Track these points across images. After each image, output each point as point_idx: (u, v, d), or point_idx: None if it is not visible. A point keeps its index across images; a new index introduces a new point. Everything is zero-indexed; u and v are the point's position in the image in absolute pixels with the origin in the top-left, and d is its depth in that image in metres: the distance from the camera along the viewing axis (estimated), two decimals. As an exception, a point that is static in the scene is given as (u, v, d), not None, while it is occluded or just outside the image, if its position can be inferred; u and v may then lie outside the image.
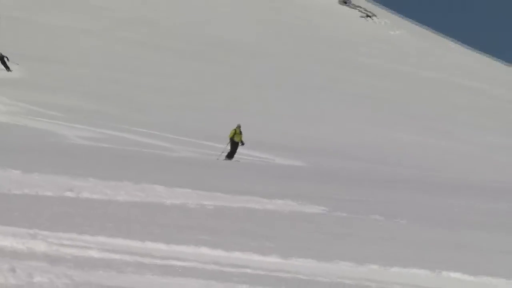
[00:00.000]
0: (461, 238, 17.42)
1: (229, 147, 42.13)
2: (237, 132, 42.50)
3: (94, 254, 10.96)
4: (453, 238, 17.47)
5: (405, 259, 12.74)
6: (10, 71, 69.93)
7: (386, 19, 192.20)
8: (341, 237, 15.41)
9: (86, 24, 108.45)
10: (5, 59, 70.41)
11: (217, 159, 40.37)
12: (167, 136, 45.45)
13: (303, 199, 20.24)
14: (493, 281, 10.97)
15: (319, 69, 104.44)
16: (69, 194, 16.64)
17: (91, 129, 44.67)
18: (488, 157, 63.15)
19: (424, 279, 11.53)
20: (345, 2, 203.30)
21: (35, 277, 9.24)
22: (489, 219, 21.37)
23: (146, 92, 68.37)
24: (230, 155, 41.53)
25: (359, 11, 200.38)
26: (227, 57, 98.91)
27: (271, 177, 28.85)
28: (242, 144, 42.41)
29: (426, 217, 21.23)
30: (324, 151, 49.43)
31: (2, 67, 70.82)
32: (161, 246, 11.83)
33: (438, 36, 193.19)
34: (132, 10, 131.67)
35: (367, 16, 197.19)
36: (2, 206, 13.84)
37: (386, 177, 35.96)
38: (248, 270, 10.82)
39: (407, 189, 28.38)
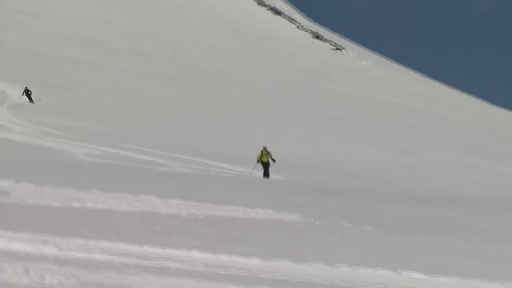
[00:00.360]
0: (416, 242, 17.26)
1: (253, 170, 40.45)
2: (264, 153, 41.16)
3: (98, 257, 11.16)
4: (410, 242, 17.18)
5: (370, 261, 12.74)
6: (32, 103, 67.17)
7: (354, 51, 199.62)
8: (315, 242, 15.21)
9: (88, 55, 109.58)
10: (29, 93, 67.30)
11: (248, 176, 39.66)
12: (160, 153, 44.92)
13: (281, 208, 20.01)
14: (448, 281, 11.13)
15: (295, 95, 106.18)
16: (76, 204, 16.74)
17: (94, 147, 44.74)
18: (441, 171, 64.22)
19: (388, 279, 11.63)
20: (318, 37, 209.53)
21: (46, 278, 9.68)
22: (437, 225, 21.58)
23: (139, 114, 68.48)
24: (265, 174, 40.66)
25: (330, 44, 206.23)
26: (211, 83, 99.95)
27: (254, 189, 28.81)
28: (274, 161, 40.57)
29: (387, 224, 20.63)
30: (298, 166, 49.72)
31: (26, 98, 67.23)
32: (157, 250, 11.91)
33: (399, 66, 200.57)
34: (128, 43, 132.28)
35: (337, 49, 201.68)
36: (16, 215, 14.03)
37: (353, 188, 36.50)
38: (234, 271, 10.87)
39: (371, 199, 28.40)
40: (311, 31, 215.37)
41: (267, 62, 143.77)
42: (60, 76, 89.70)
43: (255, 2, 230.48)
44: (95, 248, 11.55)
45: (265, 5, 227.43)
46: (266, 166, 40.35)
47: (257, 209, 19.35)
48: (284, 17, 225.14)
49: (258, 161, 40.54)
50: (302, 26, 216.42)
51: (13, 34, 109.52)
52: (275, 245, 14.13)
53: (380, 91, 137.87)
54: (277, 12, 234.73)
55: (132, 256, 11.46)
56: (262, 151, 40.93)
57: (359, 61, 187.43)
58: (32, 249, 11.42)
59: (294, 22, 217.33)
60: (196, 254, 11.87)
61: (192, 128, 64.50)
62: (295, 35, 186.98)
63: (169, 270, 10.50)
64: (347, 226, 18.32)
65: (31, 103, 66.91)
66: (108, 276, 9.82)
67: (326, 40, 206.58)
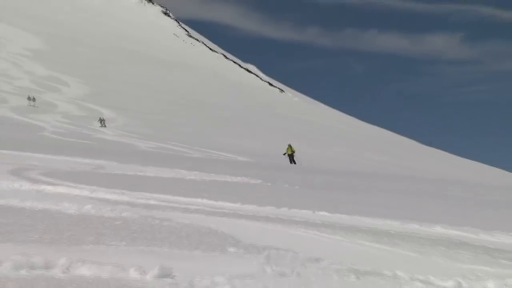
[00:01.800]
0: (324, 195, 18.21)
1: (286, 158, 42.85)
2: (289, 148, 42.90)
3: (151, 202, 11.38)
4: (321, 195, 18.13)
5: (296, 204, 12.92)
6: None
7: (290, 93, 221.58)
8: (267, 194, 15.81)
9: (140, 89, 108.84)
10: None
11: (297, 164, 41.40)
12: (185, 146, 49.27)
13: (250, 176, 21.46)
14: (342, 216, 11.58)
15: (258, 117, 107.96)
16: (140, 173, 18.57)
17: (151, 142, 49.38)
18: (340, 158, 69.15)
19: (306, 215, 11.66)
20: (270, 84, 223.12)
21: (123, 213, 9.64)
22: (338, 185, 23.06)
23: (174, 126, 71.45)
24: (291, 162, 42.16)
25: (278, 88, 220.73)
26: (208, 110, 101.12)
27: (235, 166, 30.17)
28: (294, 152, 42.96)
29: (309, 185, 21.66)
30: (261, 154, 52.09)
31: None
32: (182, 198, 12.29)
33: (316, 101, 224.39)
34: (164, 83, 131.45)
35: (281, 91, 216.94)
36: (108, 179, 15.64)
37: (290, 166, 38.99)
38: (225, 211, 11.25)
39: (301, 172, 30.26)
40: (269, 82, 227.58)
41: (243, 97, 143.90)
42: (133, 100, 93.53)
43: (246, 71, 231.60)
44: (150, 198, 11.99)
45: (243, 68, 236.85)
46: (291, 156, 42.38)
47: (238, 177, 20.78)
48: (253, 74, 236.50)
49: (284, 154, 42.66)
50: (262, 79, 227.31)
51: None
52: (247, 196, 14.37)
53: (309, 116, 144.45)
54: (249, 71, 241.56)
55: (170, 202, 11.80)
56: (288, 147, 42.90)
57: (292, 98, 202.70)
58: (115, 197, 11.80)
59: (260, 78, 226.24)
60: (204, 201, 12.27)
61: (200, 134, 68.89)
62: (260, 85, 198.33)
63: (189, 210, 10.70)
64: (285, 186, 19.77)
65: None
66: (157, 212, 9.97)
67: (275, 87, 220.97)
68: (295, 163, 41.90)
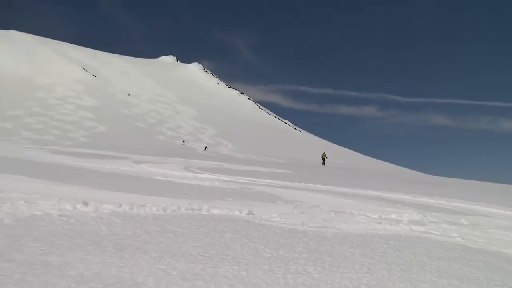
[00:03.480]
0: (327, 178, 16.39)
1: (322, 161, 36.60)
2: (324, 154, 36.94)
3: (245, 181, 11.34)
4: (327, 178, 16.23)
5: (311, 181, 12.41)
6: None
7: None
8: (294, 177, 14.60)
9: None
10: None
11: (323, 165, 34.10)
12: (269, 157, 42.00)
13: (286, 169, 20.19)
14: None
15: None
16: (240, 169, 17.37)
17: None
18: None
19: (313, 187, 11.28)
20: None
21: (232, 186, 9.79)
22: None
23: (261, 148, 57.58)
24: (324, 164, 35.89)
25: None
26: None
27: (279, 164, 27.75)
28: (327, 158, 37.14)
29: (317, 174, 19.35)
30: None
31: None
32: (257, 179, 12.13)
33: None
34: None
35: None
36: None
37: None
38: (276, 184, 11.02)
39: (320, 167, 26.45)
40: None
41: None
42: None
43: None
44: (244, 180, 11.83)
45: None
46: (324, 161, 36.29)
47: (282, 169, 19.60)
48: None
49: (322, 158, 36.65)
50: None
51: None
52: (285, 178, 13.81)
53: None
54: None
55: (252, 181, 11.58)
56: (324, 153, 37.39)
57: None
58: (228, 179, 11.80)
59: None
60: (266, 180, 12.12)
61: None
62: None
63: (261, 184, 10.76)
64: (303, 174, 17.68)
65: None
66: (247, 186, 10.14)
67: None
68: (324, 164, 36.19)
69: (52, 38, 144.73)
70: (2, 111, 60.49)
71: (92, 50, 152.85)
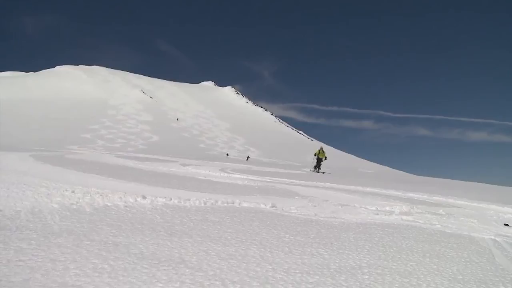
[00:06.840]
0: (333, 177, 15.94)
1: (315, 162, 20.04)
2: (320, 152, 19.74)
3: (269, 180, 11.01)
4: (333, 178, 15.83)
5: (321, 180, 12.20)
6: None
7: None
8: (309, 178, 14.13)
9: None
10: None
11: (310, 170, 20.13)
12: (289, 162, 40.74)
13: (302, 170, 19.71)
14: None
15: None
16: (264, 170, 16.05)
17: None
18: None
19: (323, 184, 10.78)
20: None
21: (258, 184, 9.39)
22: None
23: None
24: (317, 167, 19.75)
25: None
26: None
27: (294, 166, 26.36)
28: (326, 159, 20.09)
29: (326, 173, 19.04)
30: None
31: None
32: (278, 179, 11.68)
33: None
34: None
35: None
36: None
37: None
38: (294, 183, 10.63)
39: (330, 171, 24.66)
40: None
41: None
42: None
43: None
44: (269, 179, 11.40)
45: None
46: (319, 160, 19.87)
47: (297, 171, 19.22)
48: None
49: (315, 155, 20.13)
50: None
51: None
52: (301, 178, 13.55)
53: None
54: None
55: (274, 180, 11.11)
56: (318, 150, 20.15)
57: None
58: (255, 178, 11.51)
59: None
60: (286, 180, 11.63)
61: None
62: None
63: (282, 183, 10.40)
64: (317, 175, 17.00)
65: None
66: (271, 184, 9.80)
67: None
68: (319, 168, 19.96)
69: (121, 69, 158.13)
70: (84, 125, 64.29)
71: (150, 77, 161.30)
